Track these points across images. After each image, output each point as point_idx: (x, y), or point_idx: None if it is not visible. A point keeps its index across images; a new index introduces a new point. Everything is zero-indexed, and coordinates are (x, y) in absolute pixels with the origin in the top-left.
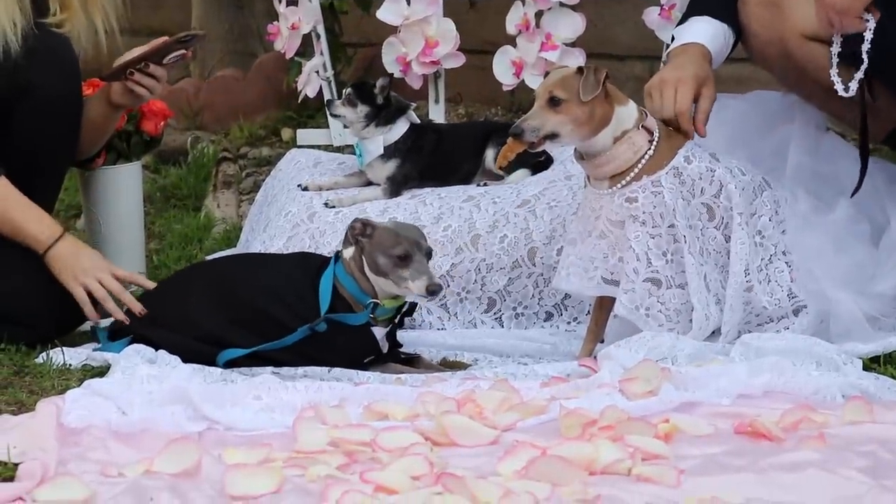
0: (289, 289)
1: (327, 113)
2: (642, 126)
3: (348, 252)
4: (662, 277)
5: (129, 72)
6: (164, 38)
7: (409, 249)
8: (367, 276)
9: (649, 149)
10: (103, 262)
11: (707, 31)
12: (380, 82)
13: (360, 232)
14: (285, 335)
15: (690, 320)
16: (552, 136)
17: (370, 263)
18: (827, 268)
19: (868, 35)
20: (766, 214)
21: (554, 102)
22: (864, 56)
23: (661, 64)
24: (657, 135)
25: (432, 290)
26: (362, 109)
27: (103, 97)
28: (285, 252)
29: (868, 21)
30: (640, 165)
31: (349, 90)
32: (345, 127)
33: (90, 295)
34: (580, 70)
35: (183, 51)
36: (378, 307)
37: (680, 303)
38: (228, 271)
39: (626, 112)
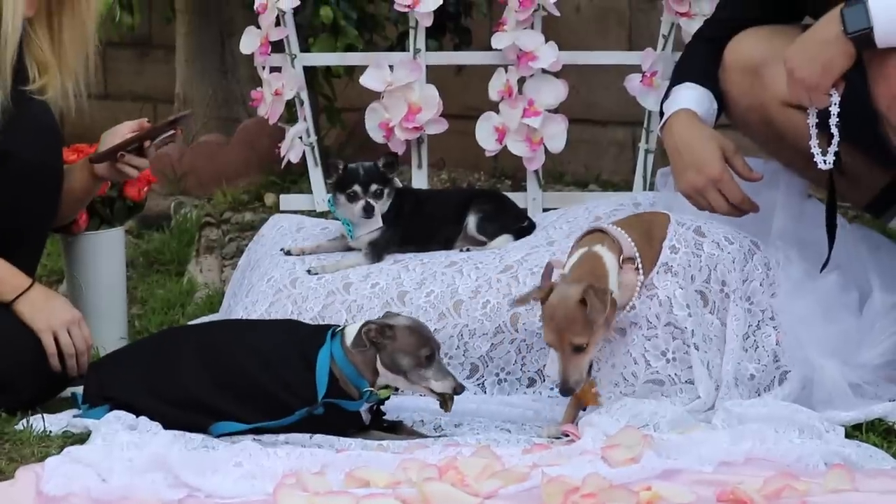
0: (279, 361)
1: (359, 215)
2: (624, 261)
3: (352, 342)
4: (665, 377)
5: (121, 154)
6: (149, 124)
7: (433, 350)
8: (376, 368)
9: (639, 276)
10: (75, 311)
11: (692, 97)
12: (385, 160)
13: (380, 334)
14: (275, 406)
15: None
16: (591, 367)
17: (388, 362)
18: (814, 335)
19: (834, 109)
20: (757, 279)
21: (578, 350)
22: (834, 130)
23: (644, 130)
24: (637, 255)
25: (458, 391)
26: (385, 193)
27: (86, 169)
28: (268, 317)
29: (832, 96)
30: (636, 294)
31: (375, 187)
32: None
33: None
34: (583, 301)
35: (172, 131)
36: (372, 394)
37: (688, 398)
38: (217, 338)
39: (612, 278)
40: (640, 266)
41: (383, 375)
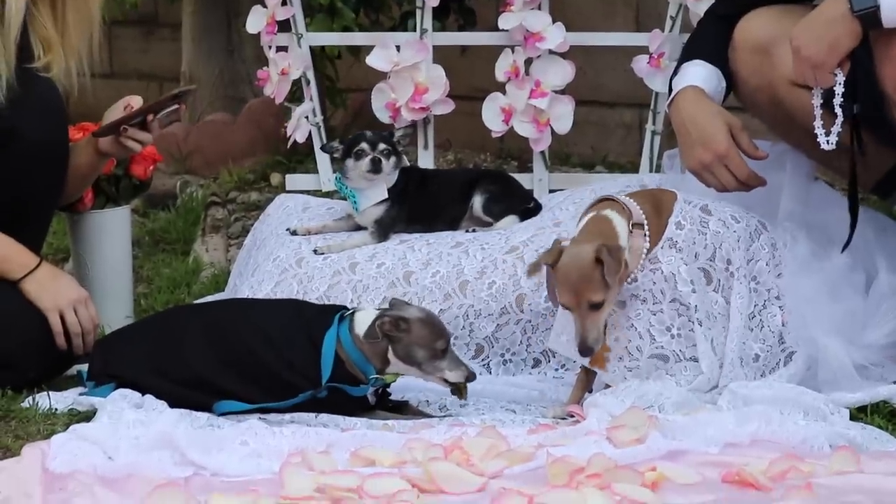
0: (285, 341)
1: (366, 170)
2: (634, 226)
3: (362, 330)
4: (669, 353)
5: (123, 128)
6: (147, 102)
7: (448, 341)
8: (388, 358)
9: (646, 243)
10: (81, 290)
11: (700, 73)
12: (403, 131)
13: (394, 328)
14: (280, 385)
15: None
16: (606, 325)
17: (402, 354)
18: (820, 314)
19: (839, 89)
20: (763, 259)
21: (595, 307)
22: (838, 110)
23: (651, 112)
24: (646, 223)
25: (470, 379)
26: (393, 159)
27: (91, 145)
28: (273, 297)
29: (837, 76)
30: (642, 260)
31: (383, 146)
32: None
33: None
34: (598, 260)
35: (176, 105)
36: (378, 380)
37: (693, 375)
38: (223, 316)
39: (622, 240)
40: (647, 233)
41: (395, 365)
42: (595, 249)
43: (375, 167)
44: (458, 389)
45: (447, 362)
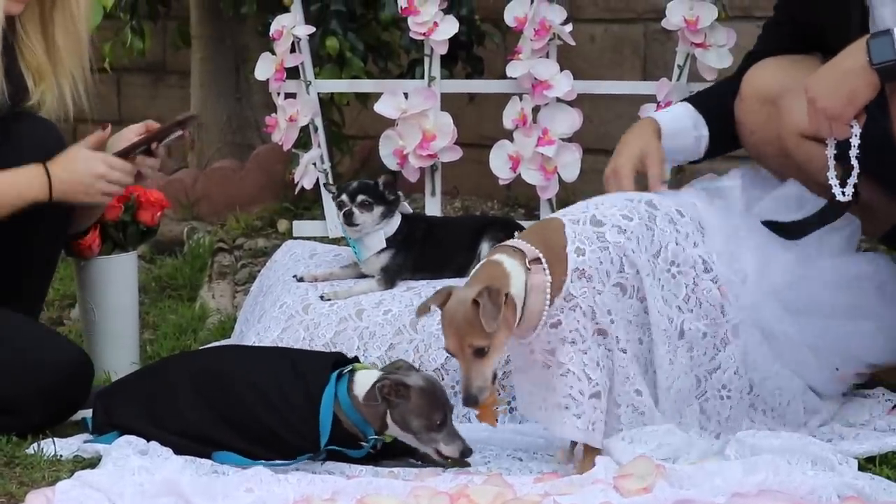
0: (280, 397)
1: (341, 222)
2: (530, 264)
3: (361, 391)
4: (601, 388)
5: (131, 157)
6: (157, 125)
7: (446, 414)
8: (386, 422)
9: (547, 276)
10: (91, 160)
11: (671, 111)
12: (385, 179)
13: (394, 393)
14: (275, 441)
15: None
16: (495, 375)
17: (400, 421)
18: (766, 259)
19: (855, 141)
20: (671, 240)
21: (480, 353)
22: (854, 162)
23: None
24: (543, 257)
25: (466, 455)
26: (378, 209)
27: None
28: (280, 343)
29: (853, 127)
30: (549, 298)
31: (362, 197)
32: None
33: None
34: (475, 302)
35: (180, 132)
36: (378, 440)
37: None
38: (215, 368)
39: (516, 280)
40: (546, 267)
41: (392, 429)
42: (476, 292)
43: (348, 220)
44: (445, 459)
45: (443, 435)
